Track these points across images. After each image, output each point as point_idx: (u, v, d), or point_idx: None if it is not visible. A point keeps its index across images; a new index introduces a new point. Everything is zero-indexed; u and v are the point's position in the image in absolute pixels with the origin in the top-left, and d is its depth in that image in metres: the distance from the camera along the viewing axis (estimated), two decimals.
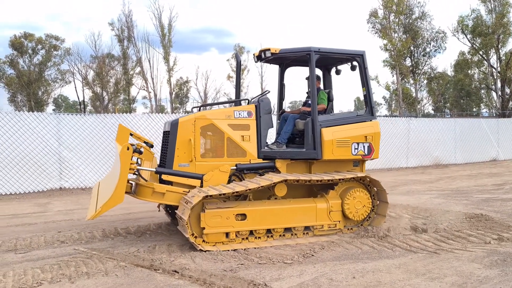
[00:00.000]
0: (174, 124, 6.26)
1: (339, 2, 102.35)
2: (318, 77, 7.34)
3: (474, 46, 35.84)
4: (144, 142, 6.83)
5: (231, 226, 5.81)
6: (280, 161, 6.62)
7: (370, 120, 7.11)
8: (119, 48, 39.06)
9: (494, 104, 37.84)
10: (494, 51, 34.68)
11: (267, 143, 6.77)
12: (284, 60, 7.54)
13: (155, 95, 38.48)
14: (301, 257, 5.30)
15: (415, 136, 17.95)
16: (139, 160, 6.39)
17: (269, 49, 6.72)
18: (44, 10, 79.61)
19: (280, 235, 6.12)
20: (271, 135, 6.86)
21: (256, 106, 6.59)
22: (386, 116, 30.87)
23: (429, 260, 5.13)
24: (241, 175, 6.47)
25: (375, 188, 6.75)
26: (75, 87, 51.03)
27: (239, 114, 6.48)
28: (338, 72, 7.62)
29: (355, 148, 6.81)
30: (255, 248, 5.71)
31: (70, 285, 4.43)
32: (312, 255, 5.40)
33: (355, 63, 7.20)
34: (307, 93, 7.67)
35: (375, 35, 34.93)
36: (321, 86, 7.74)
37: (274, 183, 5.99)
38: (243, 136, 6.45)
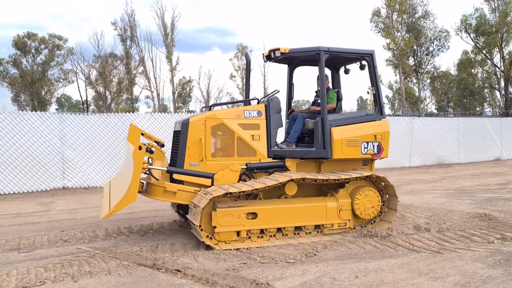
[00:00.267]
0: (185, 124, 6.29)
1: (342, 1, 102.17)
2: (326, 77, 7.35)
3: (478, 45, 35.72)
4: (155, 142, 6.88)
5: (242, 225, 5.83)
6: (290, 160, 6.64)
7: (380, 119, 7.12)
8: (122, 48, 39.27)
9: (498, 103, 37.76)
10: (497, 50, 34.57)
11: (276, 142, 6.80)
12: (293, 59, 7.56)
13: (158, 95, 38.62)
14: (303, 257, 5.30)
15: (418, 136, 17.90)
16: (150, 159, 6.45)
17: (278, 49, 6.73)
18: (47, 10, 79.97)
19: (282, 235, 6.12)
20: (279, 135, 6.90)
21: (266, 105, 6.61)
22: (389, 115, 30.75)
23: (432, 259, 5.11)
24: (251, 174, 6.50)
25: (383, 184, 6.74)
26: (78, 87, 51.44)
27: (249, 113, 6.50)
28: (346, 71, 7.61)
29: (364, 147, 6.83)
30: (257, 247, 5.71)
31: (73, 284, 4.44)
32: (315, 255, 5.39)
33: (364, 62, 7.21)
34: (316, 92, 7.67)
35: (378, 34, 34.94)
36: (330, 85, 7.75)
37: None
38: (253, 135, 6.47)
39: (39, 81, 40.88)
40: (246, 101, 7.05)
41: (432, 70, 39.47)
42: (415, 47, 35.90)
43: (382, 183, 6.70)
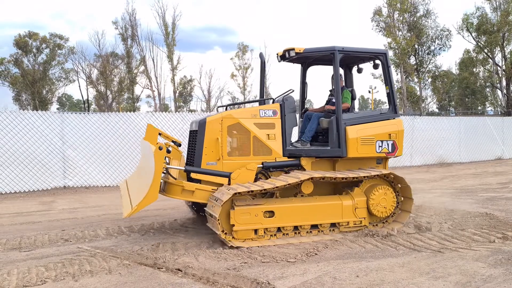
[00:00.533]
0: (202, 124, 6.36)
1: (343, 0, 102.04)
2: (341, 76, 7.38)
3: (479, 44, 35.67)
4: (172, 141, 6.94)
5: (260, 223, 5.88)
6: (305, 159, 6.70)
7: (394, 118, 7.16)
8: (123, 47, 39.25)
9: (499, 103, 37.66)
10: (499, 49, 34.51)
11: (291, 141, 6.85)
12: (307, 59, 7.62)
13: (159, 94, 38.62)
14: (304, 256, 5.30)
15: (420, 135, 17.87)
16: (167, 158, 6.51)
17: (293, 49, 6.78)
18: (48, 9, 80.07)
19: (283, 234, 6.13)
20: (293, 134, 6.96)
21: (280, 105, 6.68)
22: None
23: (433, 259, 5.11)
24: (267, 173, 6.57)
25: (399, 185, 6.75)
26: (79, 86, 51.35)
27: (265, 113, 6.58)
28: (360, 70, 7.65)
29: (379, 146, 6.88)
30: (259, 246, 5.71)
31: (74, 283, 4.45)
32: (316, 254, 5.39)
33: (377, 61, 7.25)
34: (330, 91, 7.71)
35: (379, 33, 34.91)
36: (344, 84, 7.77)
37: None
38: (268, 134, 6.55)
39: (40, 80, 40.91)
40: (261, 101, 7.16)
41: (434, 69, 39.40)
42: (416, 46, 35.85)
43: (398, 184, 6.70)
